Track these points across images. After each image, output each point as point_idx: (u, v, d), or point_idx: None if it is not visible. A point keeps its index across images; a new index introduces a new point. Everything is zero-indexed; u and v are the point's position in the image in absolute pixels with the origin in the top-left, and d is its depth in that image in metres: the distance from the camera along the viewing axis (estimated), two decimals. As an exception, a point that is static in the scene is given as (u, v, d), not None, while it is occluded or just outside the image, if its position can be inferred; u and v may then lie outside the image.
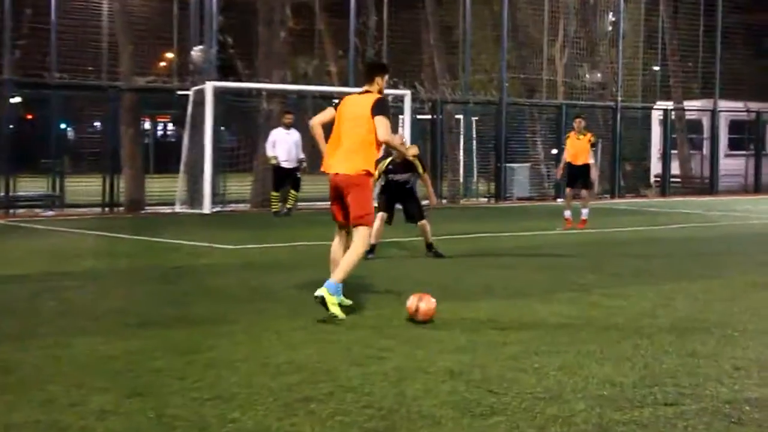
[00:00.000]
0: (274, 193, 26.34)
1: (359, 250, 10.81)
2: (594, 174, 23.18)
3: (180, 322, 10.23)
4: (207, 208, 26.51)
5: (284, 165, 25.54)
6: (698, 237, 21.42)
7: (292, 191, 26.18)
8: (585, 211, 22.90)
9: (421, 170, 16.53)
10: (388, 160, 16.31)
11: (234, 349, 8.78)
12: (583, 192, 23.06)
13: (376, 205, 14.49)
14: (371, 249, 15.60)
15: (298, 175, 25.99)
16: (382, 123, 10.88)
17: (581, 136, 22.86)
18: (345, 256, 10.83)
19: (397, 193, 16.49)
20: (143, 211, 27.26)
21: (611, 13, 40.17)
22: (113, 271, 14.82)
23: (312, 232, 21.20)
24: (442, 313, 10.67)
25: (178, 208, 27.36)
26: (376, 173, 15.27)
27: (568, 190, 23.39)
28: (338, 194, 11.05)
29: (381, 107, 10.97)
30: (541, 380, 7.77)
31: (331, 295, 10.40)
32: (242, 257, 16.78)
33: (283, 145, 25.54)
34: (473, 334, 9.65)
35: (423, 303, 10.34)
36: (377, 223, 15.77)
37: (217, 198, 28.16)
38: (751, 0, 41.74)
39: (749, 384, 7.75)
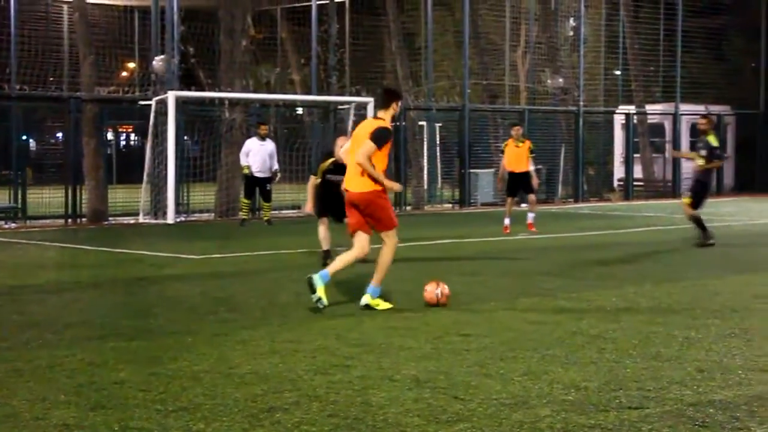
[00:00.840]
0: (245, 200, 26.32)
1: (390, 253, 12.01)
2: (535, 181, 23.27)
3: (143, 333, 10.17)
4: (171, 218, 26.40)
5: (257, 175, 25.48)
6: (661, 240, 21.52)
7: (265, 203, 26.18)
8: (531, 215, 23.07)
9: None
10: (331, 159, 16.31)
11: (198, 360, 8.74)
12: (531, 197, 23.28)
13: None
14: (326, 255, 16.13)
15: (269, 187, 25.93)
16: (365, 146, 11.63)
17: (520, 144, 22.98)
18: (379, 260, 11.93)
19: (330, 194, 16.31)
20: (106, 223, 27.11)
21: (572, 19, 40.36)
22: (76, 283, 14.72)
23: (276, 240, 21.18)
24: (406, 321, 10.69)
25: (141, 219, 27.24)
26: (319, 171, 15.56)
27: (509, 199, 23.43)
28: (354, 207, 11.92)
29: (377, 135, 11.70)
30: (506, 386, 7.78)
31: (374, 298, 11.74)
32: (206, 267, 16.71)
33: (257, 156, 25.50)
34: (438, 341, 9.65)
35: (441, 288, 11.84)
36: (322, 229, 16.43)
37: (181, 208, 28.07)
38: (710, 4, 42.03)
39: (713, 386, 7.79)
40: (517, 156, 22.94)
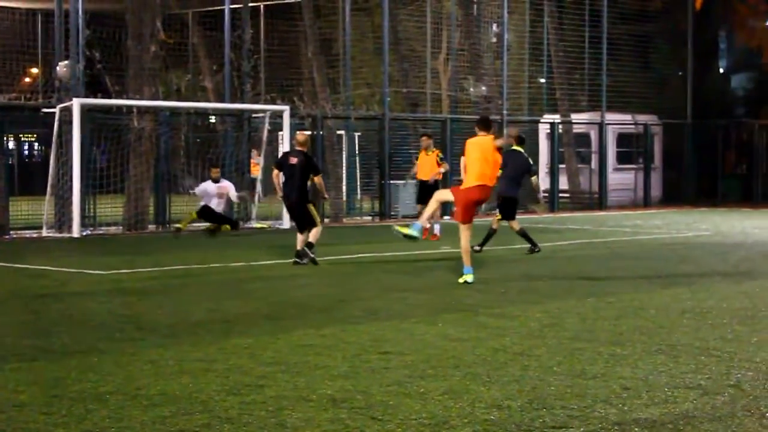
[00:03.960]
0: (193, 215, 26.50)
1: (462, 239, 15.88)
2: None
3: (45, 353, 10.05)
4: (76, 231, 26.13)
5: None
6: (587, 254, 21.73)
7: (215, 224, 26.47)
8: (437, 227, 25.11)
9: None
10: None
11: (103, 381, 8.67)
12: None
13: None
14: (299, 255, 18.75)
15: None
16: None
17: (429, 153, 25.36)
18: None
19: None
20: (7, 236, 26.76)
21: (495, 25, 40.62)
22: (-26, 300, 14.51)
23: (185, 255, 21.05)
24: (323, 339, 10.68)
25: (45, 232, 26.91)
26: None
27: (419, 206, 24.90)
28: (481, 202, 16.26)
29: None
30: (426, 405, 7.81)
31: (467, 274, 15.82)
32: (113, 283, 16.55)
33: (212, 200, 26.26)
34: (355, 359, 9.66)
35: None
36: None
37: (87, 221, 27.79)
38: (637, 10, 42.54)
39: (638, 404, 7.88)
40: (427, 165, 25.35)
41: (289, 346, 10.36)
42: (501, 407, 7.76)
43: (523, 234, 21.37)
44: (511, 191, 21.23)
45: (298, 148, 19.50)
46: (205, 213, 26.43)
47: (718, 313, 12.76)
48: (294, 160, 19.17)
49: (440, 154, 25.80)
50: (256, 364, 9.40)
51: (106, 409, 7.70)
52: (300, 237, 18.98)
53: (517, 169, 20.99)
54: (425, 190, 24.70)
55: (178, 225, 26.48)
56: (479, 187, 15.79)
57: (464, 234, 15.83)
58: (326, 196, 21.05)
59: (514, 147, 21.02)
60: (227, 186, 26.85)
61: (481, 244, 21.04)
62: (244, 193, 27.69)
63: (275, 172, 19.46)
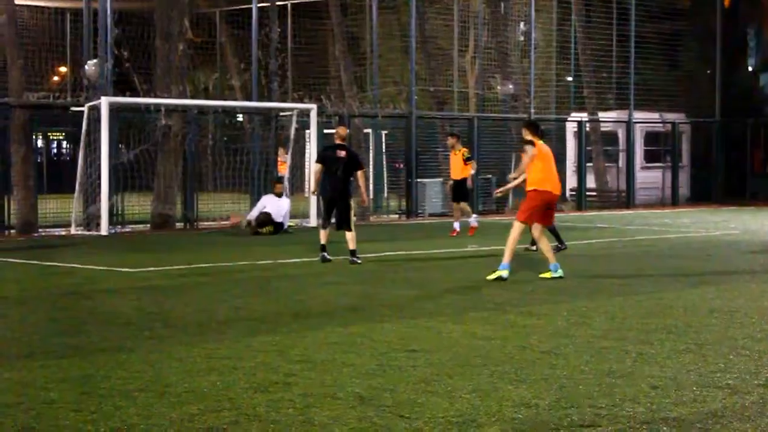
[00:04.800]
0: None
1: (512, 235, 16.13)
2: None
3: (74, 351, 10.09)
4: (104, 229, 26.23)
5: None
6: (614, 253, 21.67)
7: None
8: (471, 220, 25.88)
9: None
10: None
11: (132, 378, 8.69)
12: (462, 205, 25.98)
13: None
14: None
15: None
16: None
17: (457, 152, 25.93)
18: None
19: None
20: (36, 234, 26.88)
21: (522, 23, 40.54)
22: (3, 298, 14.56)
23: (212, 253, 21.09)
24: (350, 337, 10.69)
25: (73, 230, 27.02)
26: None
27: (454, 204, 26.14)
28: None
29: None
30: (453, 404, 7.80)
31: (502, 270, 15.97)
32: (141, 281, 16.61)
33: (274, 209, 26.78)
34: (383, 357, 9.66)
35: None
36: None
37: (115, 219, 27.88)
38: (665, 8, 42.37)
39: (666, 403, 7.85)
40: (454, 164, 26.02)
41: (316, 344, 10.36)
42: (529, 406, 7.74)
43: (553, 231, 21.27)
44: None
45: (339, 142, 19.48)
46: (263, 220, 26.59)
47: (746, 312, 12.70)
48: (342, 154, 19.11)
49: (466, 153, 25.97)
50: (283, 362, 9.41)
51: (135, 406, 7.72)
52: (323, 232, 18.95)
53: None
54: (458, 189, 25.73)
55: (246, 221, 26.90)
56: (551, 193, 16.42)
57: (518, 232, 16.14)
58: (365, 198, 21.19)
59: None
60: (287, 204, 27.18)
61: (559, 242, 20.81)
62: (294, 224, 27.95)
63: (318, 167, 19.32)
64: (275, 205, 26.63)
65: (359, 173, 19.27)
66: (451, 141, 26.37)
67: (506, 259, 16.04)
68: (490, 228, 25.90)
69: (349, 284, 15.92)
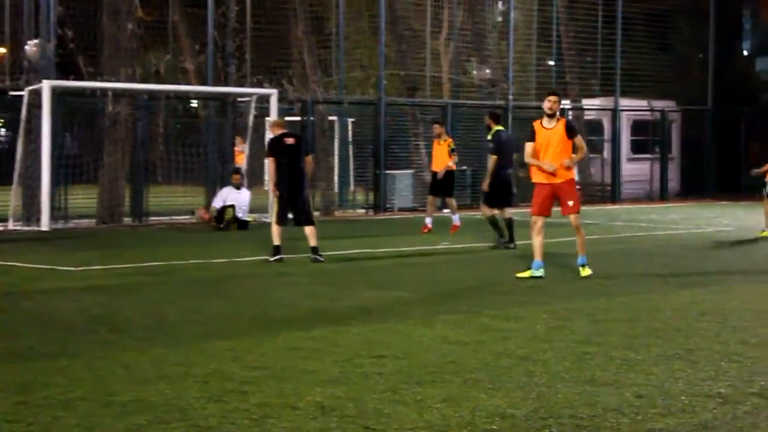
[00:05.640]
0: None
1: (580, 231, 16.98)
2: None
3: (10, 356, 10.05)
4: (45, 224, 26.11)
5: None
6: (598, 251, 21.69)
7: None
8: (456, 217, 25.21)
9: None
10: None
11: (73, 386, 8.65)
12: (449, 200, 25.77)
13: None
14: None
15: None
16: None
17: (441, 142, 25.37)
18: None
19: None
20: (-29, 230, 26.75)
21: (501, 2, 40.58)
22: (-65, 298, 14.51)
23: (163, 251, 21.05)
24: (312, 341, 10.68)
25: (11, 225, 26.89)
26: None
27: (430, 198, 26.10)
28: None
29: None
30: (423, 414, 7.80)
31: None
32: (85, 280, 16.55)
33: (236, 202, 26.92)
34: (347, 363, 9.65)
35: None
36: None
37: (58, 213, 27.74)
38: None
39: (653, 414, 7.88)
40: (438, 154, 25.40)
41: (274, 350, 10.35)
42: (504, 416, 7.75)
43: (494, 223, 21.53)
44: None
45: (283, 130, 19.35)
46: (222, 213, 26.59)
47: (740, 316, 12.77)
48: (291, 140, 18.92)
49: (452, 144, 25.53)
50: (239, 369, 9.39)
51: (76, 417, 7.69)
52: (278, 230, 18.77)
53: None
54: (437, 183, 25.38)
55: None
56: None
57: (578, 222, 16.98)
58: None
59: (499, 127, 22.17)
60: (247, 195, 27.33)
61: (501, 236, 21.55)
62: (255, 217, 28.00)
63: (271, 159, 19.08)
64: (236, 198, 26.64)
65: (308, 158, 19.14)
66: (438, 129, 25.91)
67: (581, 252, 16.82)
68: (464, 224, 25.87)
69: (311, 285, 15.91)
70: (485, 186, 21.30)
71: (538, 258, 16.55)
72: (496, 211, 21.50)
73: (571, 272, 17.07)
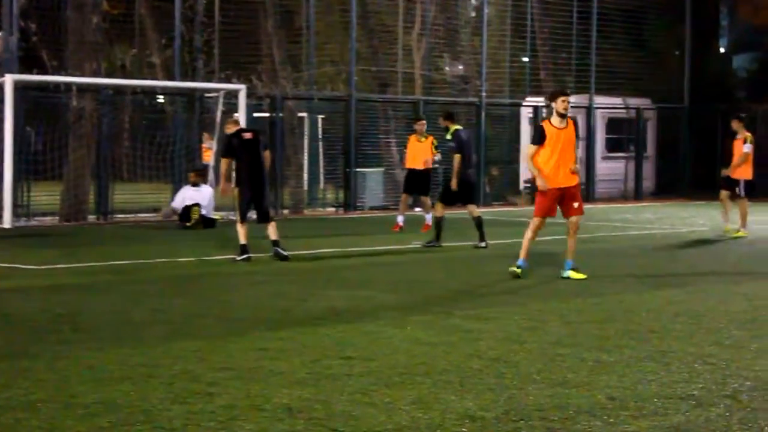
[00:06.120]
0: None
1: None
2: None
3: (-28, 356, 10.02)
4: (7, 222, 26.02)
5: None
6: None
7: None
8: (428, 216, 24.58)
9: None
10: None
11: (35, 388, 8.63)
12: (424, 199, 25.64)
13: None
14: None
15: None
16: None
17: (423, 140, 25.25)
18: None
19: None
20: (-69, 227, 26.63)
21: (474, -3, 40.59)
22: None
23: (128, 249, 21.01)
24: (280, 342, 10.68)
25: (-28, 223, 26.81)
26: None
27: (404, 196, 25.82)
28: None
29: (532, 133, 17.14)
30: (391, 416, 7.82)
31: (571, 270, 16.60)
32: (48, 279, 16.52)
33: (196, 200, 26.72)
34: (316, 364, 9.66)
35: None
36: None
37: (20, 210, 27.64)
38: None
39: (625, 416, 7.91)
40: (417, 151, 25.24)
41: (241, 350, 10.35)
42: (474, 418, 7.77)
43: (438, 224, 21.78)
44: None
45: (238, 126, 19.52)
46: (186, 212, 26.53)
47: (714, 317, 12.82)
48: (249, 135, 18.99)
49: (435, 141, 25.32)
50: (204, 370, 9.38)
51: (38, 419, 7.67)
52: (243, 229, 18.69)
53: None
54: (414, 180, 25.24)
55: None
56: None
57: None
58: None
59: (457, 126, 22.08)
60: (208, 192, 27.12)
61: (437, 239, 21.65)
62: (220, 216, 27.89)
63: (226, 159, 19.11)
64: (194, 196, 26.53)
65: (267, 153, 19.15)
66: (420, 126, 25.69)
67: (570, 257, 16.86)
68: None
69: (279, 284, 15.91)
70: (454, 185, 21.28)
71: (523, 257, 16.71)
72: (446, 212, 21.63)
73: (545, 273, 17.11)
